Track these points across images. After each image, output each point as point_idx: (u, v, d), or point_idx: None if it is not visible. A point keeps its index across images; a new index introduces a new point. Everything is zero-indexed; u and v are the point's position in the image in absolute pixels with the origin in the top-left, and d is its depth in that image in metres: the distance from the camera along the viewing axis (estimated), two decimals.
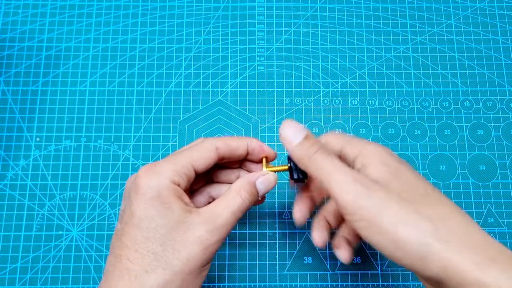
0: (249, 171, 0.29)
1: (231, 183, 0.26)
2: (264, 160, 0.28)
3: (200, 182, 0.29)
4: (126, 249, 0.22)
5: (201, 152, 0.25)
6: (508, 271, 0.18)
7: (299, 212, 0.28)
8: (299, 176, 0.26)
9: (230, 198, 0.24)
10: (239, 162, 0.29)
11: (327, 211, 0.29)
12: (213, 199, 0.28)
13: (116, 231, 0.24)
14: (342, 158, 0.25)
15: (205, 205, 0.25)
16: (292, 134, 0.24)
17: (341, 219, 0.29)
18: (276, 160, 0.32)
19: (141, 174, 0.23)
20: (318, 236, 0.27)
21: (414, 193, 0.21)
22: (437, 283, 0.20)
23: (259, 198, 0.26)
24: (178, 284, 0.22)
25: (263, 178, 0.26)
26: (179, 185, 0.24)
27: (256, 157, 0.27)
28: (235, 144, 0.26)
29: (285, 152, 0.38)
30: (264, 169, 0.27)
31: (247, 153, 0.27)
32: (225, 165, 0.29)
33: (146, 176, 0.23)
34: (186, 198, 0.24)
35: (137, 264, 0.22)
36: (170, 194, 0.23)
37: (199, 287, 0.24)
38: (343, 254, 0.27)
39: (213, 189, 0.29)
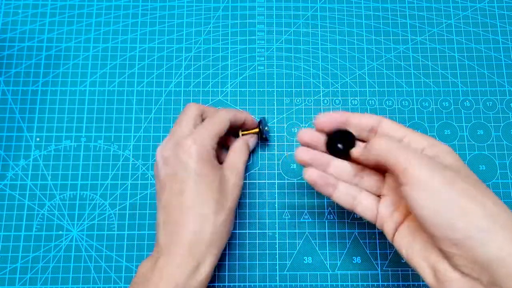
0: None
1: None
2: (240, 130, 0.36)
3: None
4: (193, 200, 0.29)
5: (223, 124, 0.32)
6: None
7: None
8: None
9: (238, 153, 0.34)
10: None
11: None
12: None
13: (171, 190, 0.29)
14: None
15: None
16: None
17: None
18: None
19: (192, 143, 0.30)
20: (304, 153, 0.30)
21: (481, 184, 0.24)
22: (482, 267, 0.21)
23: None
24: (231, 218, 0.31)
25: (252, 138, 0.37)
26: (213, 149, 0.31)
27: (247, 127, 0.36)
28: (239, 117, 0.34)
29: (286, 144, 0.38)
30: (240, 134, 0.36)
31: (243, 124, 0.35)
32: None
33: (197, 144, 0.30)
34: (216, 157, 0.32)
35: (206, 209, 0.29)
36: (212, 156, 0.31)
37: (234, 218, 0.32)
38: (312, 172, 0.29)
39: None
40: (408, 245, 0.26)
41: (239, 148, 0.34)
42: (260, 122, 0.37)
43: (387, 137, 0.27)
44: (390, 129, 0.28)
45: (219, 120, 0.32)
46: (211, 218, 0.29)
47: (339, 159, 0.30)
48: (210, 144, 0.30)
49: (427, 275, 0.24)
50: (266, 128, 0.37)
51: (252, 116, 0.37)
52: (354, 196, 0.29)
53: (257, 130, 0.37)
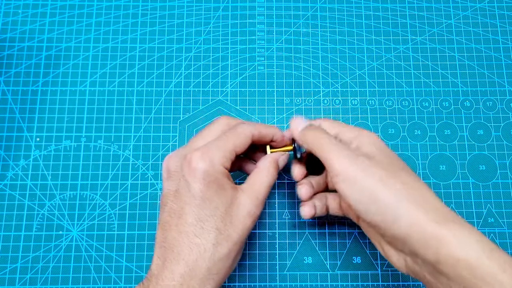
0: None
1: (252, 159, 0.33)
2: (268, 146, 0.32)
3: None
4: (191, 227, 0.25)
5: (242, 139, 0.28)
6: (462, 226, 0.23)
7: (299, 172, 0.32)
8: (301, 156, 0.32)
9: (263, 175, 0.29)
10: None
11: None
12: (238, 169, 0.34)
13: (170, 210, 0.26)
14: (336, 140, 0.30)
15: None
16: (298, 123, 0.30)
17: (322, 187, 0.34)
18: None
19: (198, 160, 0.26)
20: (306, 189, 0.32)
21: (395, 166, 0.26)
22: (402, 239, 0.24)
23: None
24: (236, 252, 0.27)
25: (283, 157, 0.31)
26: (226, 168, 0.27)
27: (277, 144, 0.32)
28: (264, 132, 0.30)
29: None
30: (269, 152, 0.32)
31: (271, 140, 0.31)
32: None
33: (203, 162, 0.26)
34: (231, 178, 0.28)
35: (204, 239, 0.25)
36: (223, 177, 0.27)
37: (242, 252, 0.29)
38: (307, 209, 0.31)
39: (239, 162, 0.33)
40: (364, 227, 0.29)
41: (264, 168, 0.29)
42: (294, 140, 0.31)
43: (317, 129, 0.29)
44: (327, 127, 0.30)
45: (237, 134, 0.28)
46: (209, 250, 0.25)
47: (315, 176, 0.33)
48: (221, 162, 0.26)
49: (381, 251, 0.27)
50: (301, 148, 0.31)
51: (282, 132, 0.32)
52: (324, 202, 0.32)
53: (290, 147, 0.32)
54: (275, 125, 0.39)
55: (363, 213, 0.25)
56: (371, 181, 0.24)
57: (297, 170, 0.32)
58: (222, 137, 0.28)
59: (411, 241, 0.23)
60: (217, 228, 0.25)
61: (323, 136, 0.28)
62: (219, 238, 0.25)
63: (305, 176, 0.33)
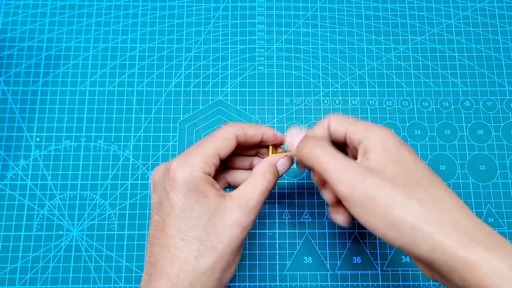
0: (262, 158, 0.30)
1: (245, 169, 0.30)
2: (270, 147, 0.29)
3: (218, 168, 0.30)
4: (172, 239, 0.24)
5: (223, 141, 0.26)
6: (491, 249, 0.20)
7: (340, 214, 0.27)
8: None
9: (257, 180, 0.26)
10: (254, 150, 0.30)
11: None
12: (229, 184, 0.30)
13: (154, 223, 0.25)
14: (347, 141, 0.26)
15: (223, 189, 0.27)
16: (292, 138, 0.27)
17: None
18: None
19: (175, 169, 0.24)
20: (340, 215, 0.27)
21: (409, 178, 0.22)
22: (427, 262, 0.21)
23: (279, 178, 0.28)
24: (223, 265, 0.24)
25: (283, 160, 0.28)
26: (209, 174, 0.25)
27: (269, 143, 0.29)
28: (251, 132, 0.27)
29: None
30: (271, 154, 0.29)
31: (261, 141, 0.28)
32: (239, 153, 0.30)
33: (181, 170, 0.24)
34: (216, 185, 0.26)
35: (185, 251, 0.23)
36: (204, 184, 0.24)
37: (236, 264, 0.26)
38: (341, 217, 0.27)
39: (229, 175, 0.30)
40: None
41: (259, 174, 0.27)
42: None
43: (314, 143, 0.25)
44: (336, 126, 0.27)
45: (218, 137, 0.26)
46: (191, 263, 0.23)
47: None
48: (201, 168, 0.24)
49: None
50: None
51: (274, 131, 0.29)
52: None
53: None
54: (274, 125, 0.39)
55: (383, 237, 0.22)
56: (384, 204, 0.21)
57: (328, 195, 0.27)
58: (201, 142, 0.26)
59: (435, 265, 0.21)
60: (199, 239, 0.23)
61: (321, 152, 0.24)
62: (202, 249, 0.23)
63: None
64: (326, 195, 0.28)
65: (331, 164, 0.23)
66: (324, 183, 0.28)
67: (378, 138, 0.24)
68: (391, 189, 0.22)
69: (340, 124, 0.26)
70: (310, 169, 0.28)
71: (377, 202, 0.22)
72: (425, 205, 0.21)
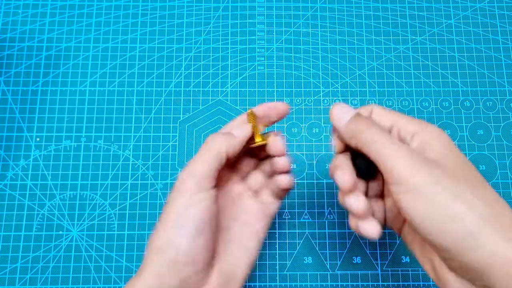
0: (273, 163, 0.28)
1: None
2: (251, 119, 0.26)
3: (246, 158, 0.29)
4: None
5: (209, 165, 0.24)
6: None
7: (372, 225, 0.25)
8: (365, 173, 0.25)
9: (243, 249, 0.26)
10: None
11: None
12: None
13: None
14: (394, 132, 0.24)
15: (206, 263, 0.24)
16: (342, 113, 0.24)
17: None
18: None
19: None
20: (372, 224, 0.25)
21: (470, 175, 0.21)
22: (474, 271, 0.20)
23: None
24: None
25: (286, 177, 0.29)
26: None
27: (270, 119, 0.27)
28: (238, 142, 0.25)
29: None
30: (257, 140, 0.26)
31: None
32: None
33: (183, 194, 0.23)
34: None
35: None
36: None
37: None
38: (371, 226, 0.24)
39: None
40: (411, 242, 0.25)
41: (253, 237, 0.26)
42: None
43: (369, 121, 0.23)
44: (381, 116, 0.25)
45: (209, 157, 0.24)
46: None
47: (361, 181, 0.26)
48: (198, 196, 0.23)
49: (430, 272, 0.23)
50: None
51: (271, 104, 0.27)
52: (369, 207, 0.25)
53: (265, 142, 0.27)
54: (274, 125, 0.39)
55: (430, 233, 0.20)
56: (446, 197, 0.20)
57: (347, 177, 0.24)
58: (195, 161, 0.24)
59: (488, 273, 0.19)
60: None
61: (378, 131, 0.22)
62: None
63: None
64: (343, 166, 0.25)
65: (390, 145, 0.22)
66: (343, 150, 0.26)
67: (436, 133, 0.23)
68: (454, 181, 0.20)
69: (387, 115, 0.25)
70: (347, 143, 0.25)
71: (438, 192, 0.20)
72: (489, 207, 0.20)
